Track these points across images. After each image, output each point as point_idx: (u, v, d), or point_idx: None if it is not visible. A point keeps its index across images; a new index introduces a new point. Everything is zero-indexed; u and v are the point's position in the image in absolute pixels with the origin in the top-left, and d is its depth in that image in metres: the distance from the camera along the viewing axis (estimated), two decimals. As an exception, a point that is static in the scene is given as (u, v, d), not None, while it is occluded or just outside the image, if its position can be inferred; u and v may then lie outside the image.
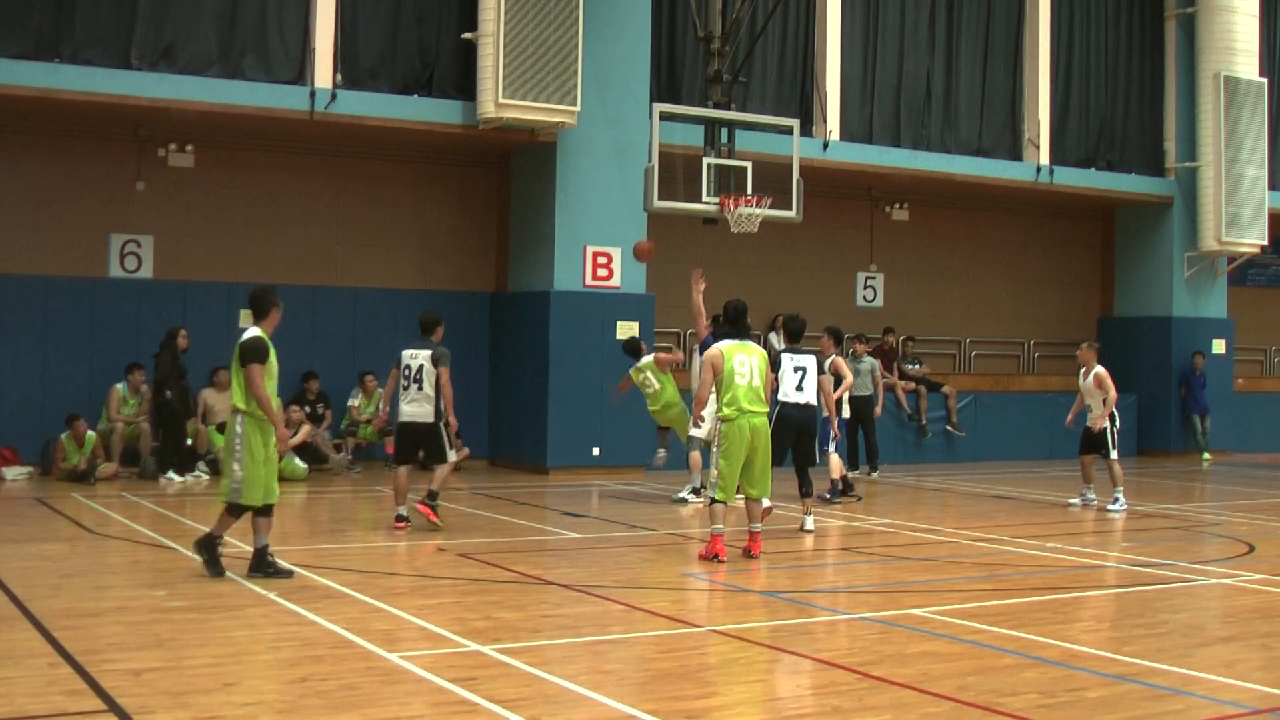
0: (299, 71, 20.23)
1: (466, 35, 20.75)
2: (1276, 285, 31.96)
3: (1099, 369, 18.51)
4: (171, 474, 19.22)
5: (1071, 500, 18.70)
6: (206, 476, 19.72)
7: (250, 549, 11.57)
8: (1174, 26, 28.48)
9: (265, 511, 11.47)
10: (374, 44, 20.96)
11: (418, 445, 15.29)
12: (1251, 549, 14.68)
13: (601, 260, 21.65)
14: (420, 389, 15.13)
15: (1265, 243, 28.30)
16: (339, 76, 20.24)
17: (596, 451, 21.48)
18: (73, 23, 18.90)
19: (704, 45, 22.39)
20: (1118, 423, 18.64)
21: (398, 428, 15.58)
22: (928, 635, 9.53)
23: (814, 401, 15.09)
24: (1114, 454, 18.41)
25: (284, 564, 11.53)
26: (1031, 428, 27.00)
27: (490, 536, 14.49)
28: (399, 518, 14.82)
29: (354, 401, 21.58)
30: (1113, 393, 18.37)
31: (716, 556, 12.51)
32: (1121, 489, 18.27)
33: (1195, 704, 7.77)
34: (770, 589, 11.56)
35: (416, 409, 15.14)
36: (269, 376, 11.71)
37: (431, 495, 14.93)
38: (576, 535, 14.81)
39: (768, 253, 24.88)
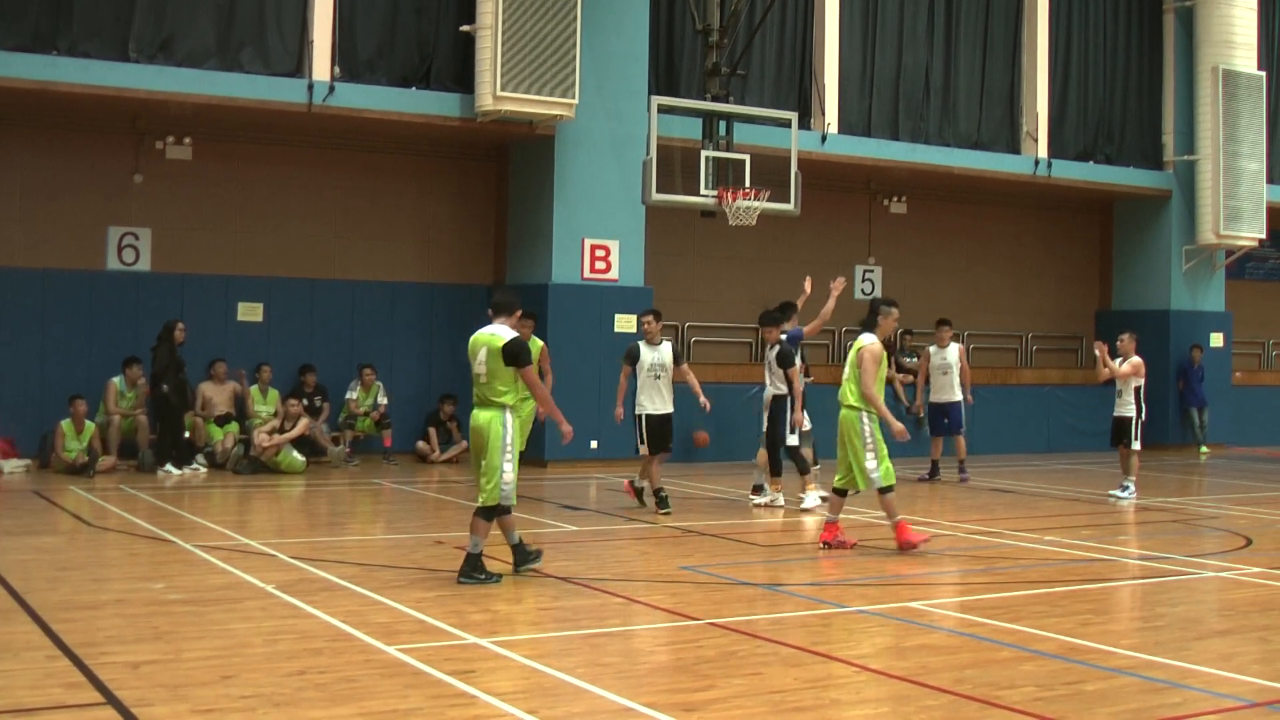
0: (297, 64, 20.22)
1: (465, 28, 20.74)
2: (1275, 279, 31.97)
3: (1136, 358, 18.72)
4: (169, 467, 19.23)
5: (1113, 492, 18.63)
6: (204, 469, 19.72)
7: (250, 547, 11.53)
8: (1172, 20, 28.48)
9: (500, 512, 11.28)
10: (372, 37, 20.94)
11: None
12: (1249, 542, 14.68)
13: (599, 253, 21.65)
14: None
15: (1263, 236, 28.31)
16: (337, 69, 20.23)
17: (594, 444, 21.48)
18: (70, 15, 18.88)
19: (702, 38, 22.38)
20: (1143, 414, 18.75)
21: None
22: (925, 628, 9.53)
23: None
24: (1136, 444, 18.58)
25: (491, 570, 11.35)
26: (1029, 421, 27.01)
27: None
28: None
29: (352, 394, 21.57)
30: (1139, 381, 18.70)
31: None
32: (1134, 479, 18.50)
33: (1193, 697, 7.77)
34: (768, 582, 11.56)
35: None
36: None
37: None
38: (574, 528, 14.82)
39: (766, 245, 24.87)
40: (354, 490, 18.81)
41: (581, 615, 9.95)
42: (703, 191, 20.87)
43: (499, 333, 11.26)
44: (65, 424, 19.08)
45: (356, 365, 21.65)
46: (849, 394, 13.19)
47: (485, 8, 20.27)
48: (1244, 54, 27.77)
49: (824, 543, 13.13)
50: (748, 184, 20.91)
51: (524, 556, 11.44)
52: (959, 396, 20.63)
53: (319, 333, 21.93)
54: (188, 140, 20.94)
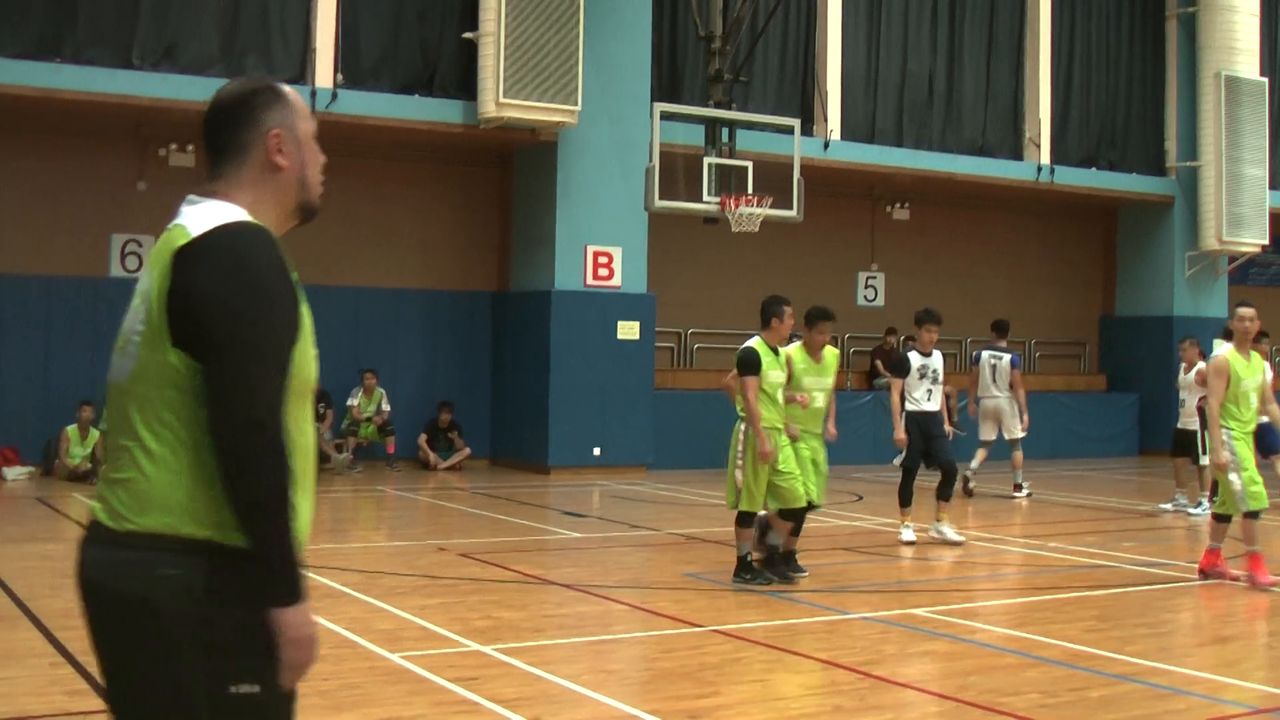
0: (300, 71, 20.24)
1: (468, 35, 20.76)
2: (1277, 285, 31.95)
3: (1202, 364, 17.52)
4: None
5: (1163, 505, 18.14)
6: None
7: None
8: (1175, 26, 28.49)
9: (748, 520, 11.47)
10: (375, 43, 20.97)
11: None
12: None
13: (602, 260, 21.66)
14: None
15: (1266, 242, 28.30)
16: (340, 76, 20.25)
17: (598, 451, 21.49)
18: (74, 22, 18.91)
19: (705, 44, 22.40)
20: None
21: None
22: (929, 635, 9.53)
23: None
24: (1204, 459, 17.09)
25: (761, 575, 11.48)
26: (1033, 427, 26.82)
27: (492, 536, 14.48)
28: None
29: (354, 401, 21.59)
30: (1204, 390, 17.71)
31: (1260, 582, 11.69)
32: (1206, 493, 17.38)
33: (1197, 703, 7.76)
34: (772, 589, 11.56)
35: None
36: (761, 387, 11.53)
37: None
38: (578, 535, 14.82)
39: (769, 252, 24.87)
40: (357, 497, 18.82)
41: (585, 622, 9.95)
42: (706, 198, 20.87)
43: (747, 344, 11.75)
44: (71, 430, 19.10)
45: (359, 371, 21.65)
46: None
47: (488, 15, 20.29)
48: (1246, 60, 27.77)
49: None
50: (750, 190, 20.92)
51: (743, 567, 11.46)
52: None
53: (321, 339, 21.29)
54: (191, 147, 20.94)
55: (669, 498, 18.65)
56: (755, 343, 11.67)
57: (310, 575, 11.28)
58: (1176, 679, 8.30)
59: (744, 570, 11.44)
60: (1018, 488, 19.47)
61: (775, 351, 11.67)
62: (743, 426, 11.41)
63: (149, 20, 19.35)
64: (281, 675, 3.25)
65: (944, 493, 14.46)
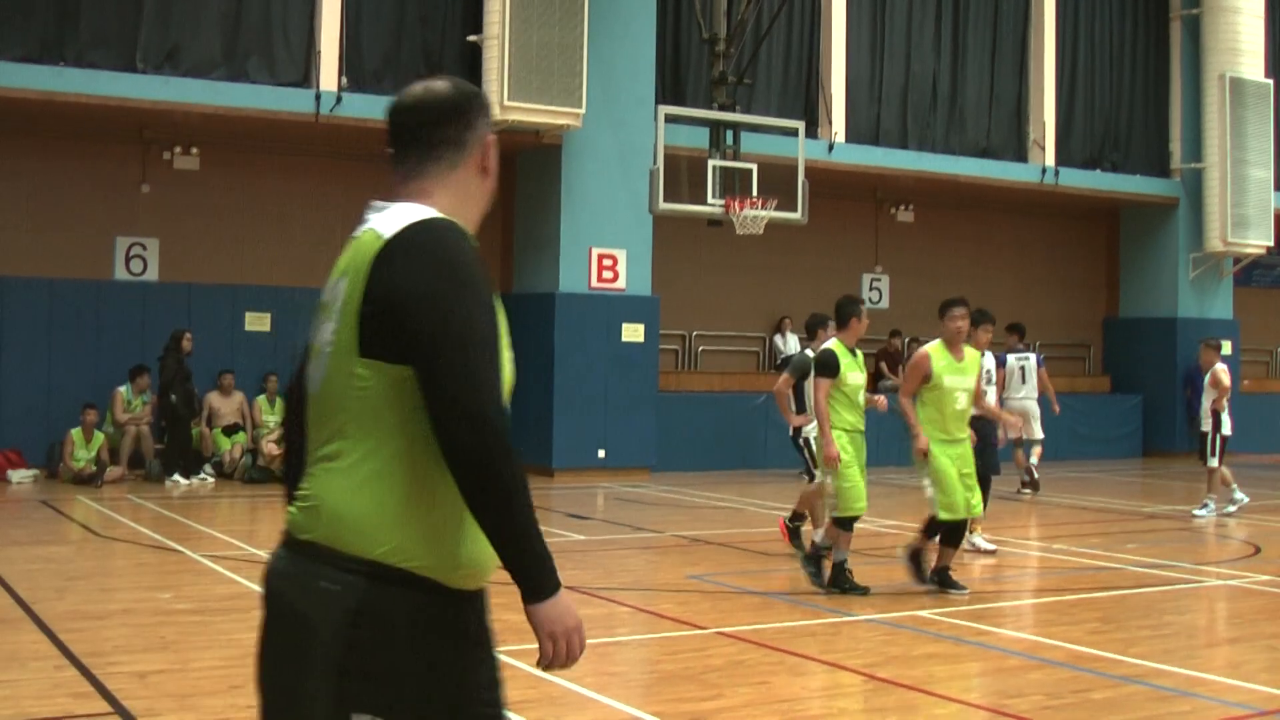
0: (304, 74, 20.24)
1: (471, 38, 20.76)
2: (1282, 286, 31.95)
3: (1217, 366, 17.84)
4: (177, 476, 19.23)
5: (1224, 509, 17.95)
6: (212, 479, 19.75)
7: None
8: (1179, 28, 28.47)
9: (849, 525, 11.23)
10: (379, 46, 20.97)
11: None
12: (1258, 550, 14.66)
13: (606, 262, 21.66)
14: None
15: (1271, 243, 28.26)
16: (344, 79, 20.26)
17: (602, 453, 21.48)
18: (77, 25, 18.92)
19: (709, 47, 22.40)
20: (1224, 428, 17.78)
21: None
22: (933, 637, 9.52)
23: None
24: (1213, 460, 17.65)
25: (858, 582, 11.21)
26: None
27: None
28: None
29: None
30: (1224, 384, 17.63)
31: None
32: (1214, 496, 17.70)
33: (1201, 705, 7.76)
34: (775, 591, 11.56)
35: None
36: (840, 389, 11.27)
37: (794, 515, 13.69)
38: (582, 537, 14.81)
39: (773, 254, 24.86)
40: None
41: (589, 624, 9.87)
42: (710, 201, 20.88)
43: (824, 346, 11.56)
44: (75, 433, 19.11)
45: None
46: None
47: (492, 17, 20.28)
48: (1251, 62, 27.75)
49: None
50: (755, 193, 20.92)
51: (838, 577, 11.15)
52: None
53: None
54: (195, 150, 20.97)
55: (673, 500, 18.64)
56: (834, 344, 11.44)
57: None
58: (1180, 681, 8.29)
59: (841, 580, 11.10)
60: (1030, 484, 19.65)
61: (853, 352, 11.43)
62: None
63: (152, 23, 19.36)
64: (543, 664, 3.31)
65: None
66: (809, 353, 13.30)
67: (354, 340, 3.14)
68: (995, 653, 9.07)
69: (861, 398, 11.50)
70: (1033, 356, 19.86)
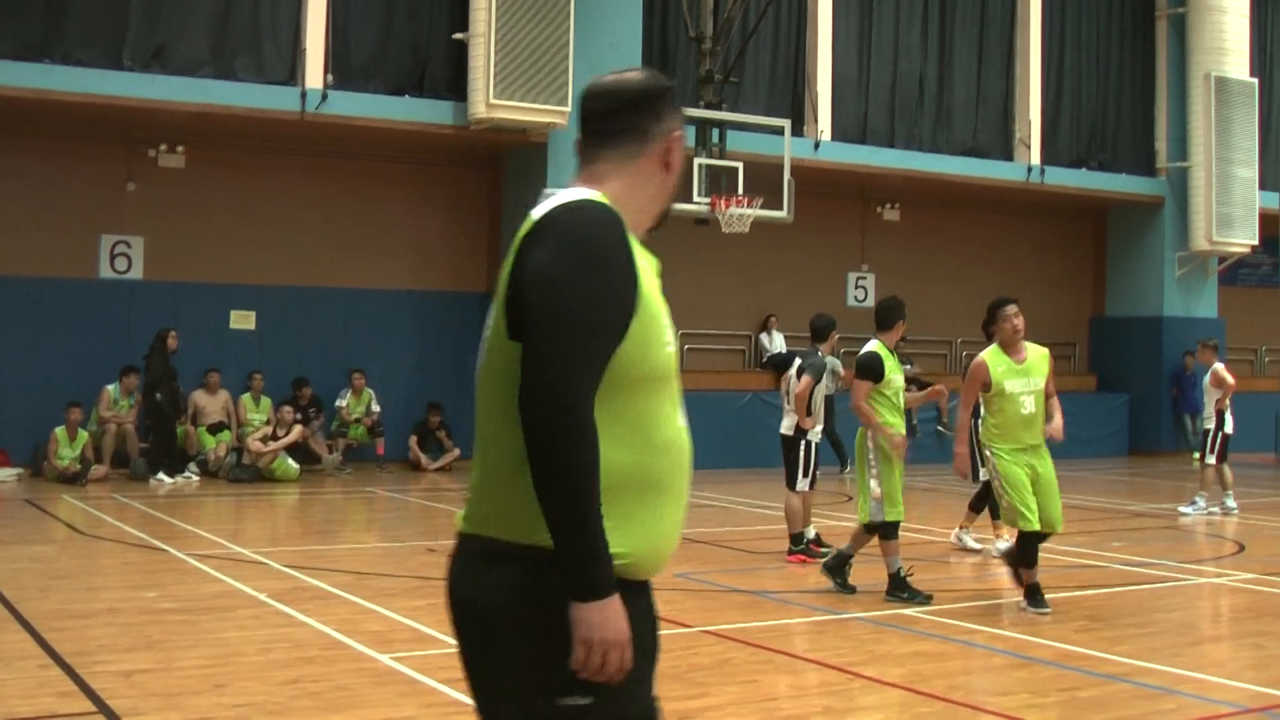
0: (290, 72, 20.22)
1: (458, 35, 20.74)
2: (1267, 285, 32.01)
3: (1216, 365, 17.90)
4: (162, 475, 19.19)
5: (1211, 509, 17.94)
6: (197, 478, 19.72)
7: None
8: (1165, 27, 28.54)
9: (894, 531, 10.95)
10: (365, 44, 20.95)
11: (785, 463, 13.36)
12: (1242, 548, 14.69)
13: (593, 261, 21.60)
14: (788, 403, 13.30)
15: (1256, 243, 28.34)
16: (330, 77, 20.23)
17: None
18: (64, 24, 18.88)
19: (695, 45, 22.41)
20: (1227, 426, 17.81)
21: None
22: (919, 635, 9.53)
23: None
24: (1210, 459, 17.67)
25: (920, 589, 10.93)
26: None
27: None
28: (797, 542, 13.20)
29: (342, 402, 21.55)
30: (1229, 382, 17.64)
31: None
32: (1205, 494, 17.73)
33: (1187, 703, 7.77)
34: (762, 589, 11.56)
35: (783, 421, 13.34)
36: (883, 391, 11.06)
37: (793, 540, 13.09)
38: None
39: (759, 253, 24.87)
40: (347, 498, 18.81)
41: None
42: (696, 199, 20.87)
43: (868, 348, 11.32)
44: (59, 431, 19.05)
45: (347, 372, 21.61)
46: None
47: (478, 15, 20.27)
48: (1236, 61, 27.82)
49: None
50: (741, 191, 20.93)
51: (898, 586, 10.89)
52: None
53: (312, 341, 21.91)
54: (181, 148, 20.93)
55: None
56: (876, 346, 11.26)
57: (299, 576, 11.31)
58: (1166, 679, 8.31)
59: (899, 588, 10.76)
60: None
61: (892, 354, 11.27)
62: (870, 434, 11.05)
63: (139, 22, 19.33)
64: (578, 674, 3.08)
65: (981, 505, 13.92)
66: (820, 353, 13.24)
67: (503, 322, 3.15)
68: (981, 651, 9.08)
69: (902, 399, 11.37)
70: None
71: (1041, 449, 10.80)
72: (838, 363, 22.72)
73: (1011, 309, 10.73)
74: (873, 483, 10.97)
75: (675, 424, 3.27)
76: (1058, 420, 10.99)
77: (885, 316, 11.51)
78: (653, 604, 3.36)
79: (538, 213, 3.19)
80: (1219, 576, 12.67)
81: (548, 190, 3.30)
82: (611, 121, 3.36)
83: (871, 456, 11.00)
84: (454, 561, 3.28)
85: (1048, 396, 10.94)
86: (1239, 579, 12.47)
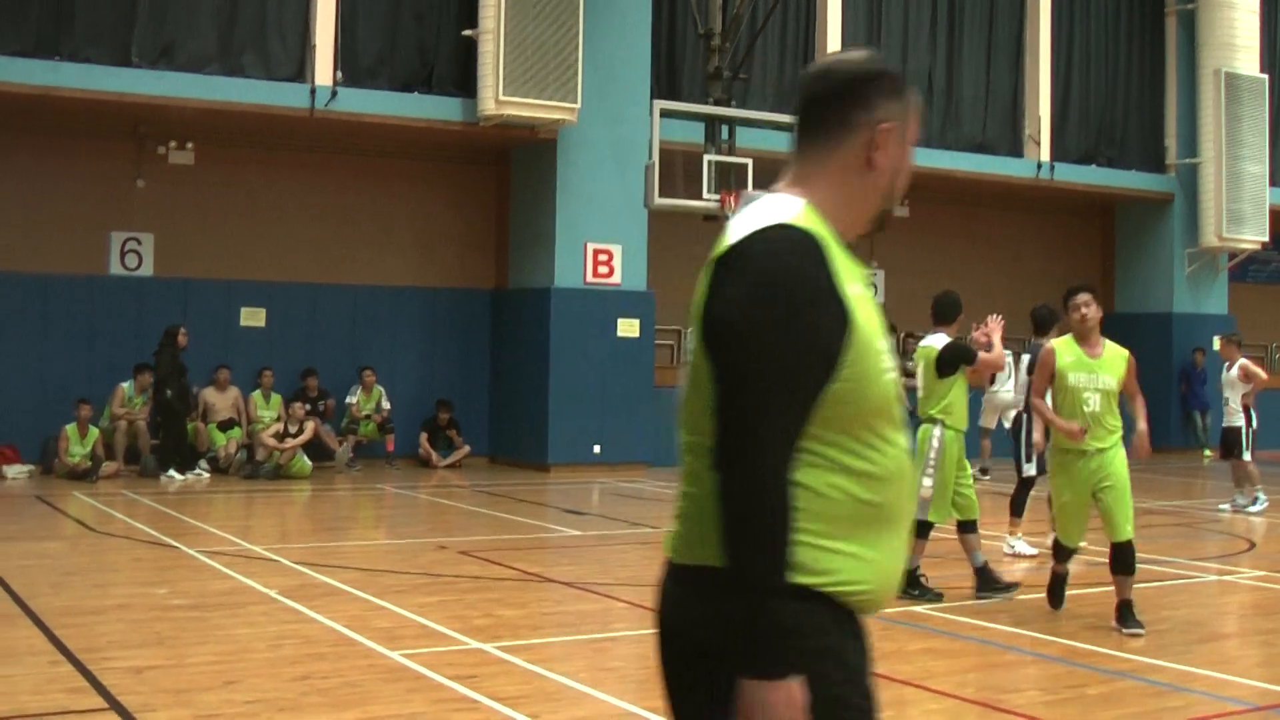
0: (299, 69, 20.24)
1: (467, 32, 20.75)
2: (1277, 282, 31.94)
3: (1242, 360, 17.78)
4: (172, 472, 19.22)
5: (1221, 505, 17.97)
6: (207, 475, 19.75)
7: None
8: (1174, 23, 28.47)
9: (926, 532, 10.80)
10: (374, 41, 20.96)
11: None
12: (1252, 545, 14.68)
13: (602, 257, 21.65)
14: None
15: (1266, 239, 28.28)
16: (339, 74, 20.24)
17: (597, 449, 21.48)
18: (72, 20, 18.91)
19: (704, 42, 22.38)
20: (1254, 422, 17.72)
21: None
22: (928, 632, 9.53)
23: None
24: (1247, 454, 17.57)
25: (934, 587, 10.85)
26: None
27: (491, 534, 14.49)
28: None
29: (353, 398, 21.56)
30: (1262, 377, 17.59)
31: None
32: (1261, 488, 17.68)
33: (1195, 700, 7.76)
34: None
35: None
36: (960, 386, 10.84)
37: None
38: (577, 533, 14.82)
39: (768, 250, 24.78)
40: (356, 495, 18.83)
41: (585, 620, 9.95)
42: (705, 195, 20.85)
43: (933, 342, 11.01)
44: (70, 428, 19.08)
45: (357, 368, 21.63)
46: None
47: (487, 12, 20.27)
48: (1246, 57, 27.76)
49: None
50: (750, 188, 20.88)
51: (987, 582, 10.85)
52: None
53: (321, 337, 21.94)
54: (190, 145, 20.96)
55: (669, 495, 18.58)
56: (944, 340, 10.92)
57: (309, 573, 11.33)
58: (1174, 676, 8.30)
59: (912, 585, 10.55)
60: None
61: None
62: (936, 431, 10.75)
63: (147, 18, 19.35)
64: None
65: (1021, 506, 13.85)
66: None
67: (702, 345, 2.93)
68: (991, 648, 9.07)
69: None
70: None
71: (1108, 453, 9.77)
72: None
73: (1082, 296, 10.03)
74: (926, 481, 10.68)
75: (900, 451, 3.00)
76: (1141, 426, 10.13)
77: (948, 311, 11.35)
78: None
79: (734, 232, 2.93)
80: (1227, 574, 12.65)
81: (750, 193, 3.06)
82: (815, 111, 3.06)
83: (932, 455, 10.73)
84: (664, 591, 3.07)
85: (1130, 398, 10.11)
86: (1247, 576, 12.46)
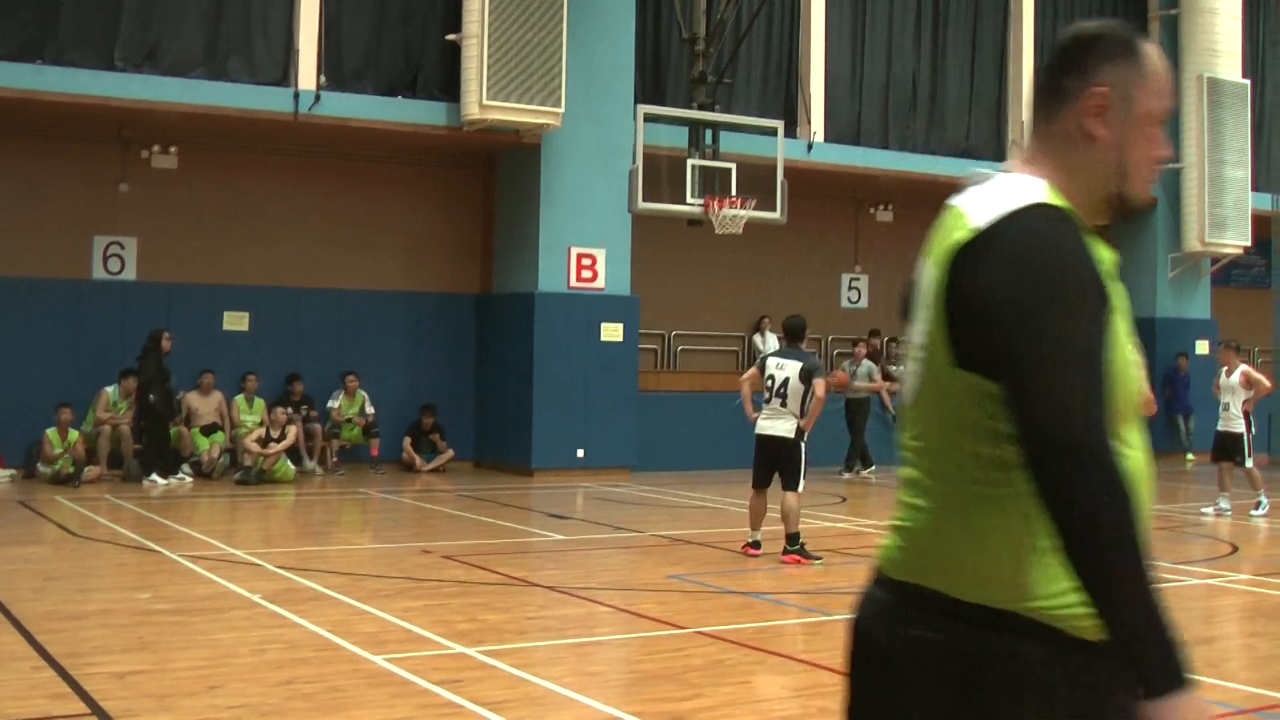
0: (283, 73, 20.21)
1: (451, 36, 20.73)
2: (1259, 286, 32.01)
3: (1244, 366, 17.88)
4: (155, 477, 19.16)
5: (1205, 510, 17.98)
6: (190, 479, 19.69)
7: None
8: (1157, 28, 28.55)
9: None
10: (358, 45, 20.94)
11: (774, 465, 13.30)
12: (1235, 549, 14.71)
13: (586, 262, 21.65)
14: (784, 404, 13.12)
15: (1248, 244, 28.36)
16: (323, 78, 20.21)
17: (581, 453, 21.47)
18: (56, 24, 18.85)
19: (688, 46, 22.39)
20: (1254, 428, 17.86)
21: (755, 441, 13.41)
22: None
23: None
24: (1249, 461, 17.66)
25: None
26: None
27: (475, 538, 14.47)
28: (753, 543, 13.27)
29: (335, 403, 21.50)
30: (1265, 384, 17.72)
31: None
32: (1263, 492, 17.76)
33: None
34: (756, 590, 11.56)
35: (779, 423, 13.15)
36: None
37: (790, 539, 12.96)
38: (561, 537, 14.80)
39: (752, 254, 24.87)
40: (341, 499, 18.79)
41: (569, 624, 9.94)
42: (689, 200, 20.86)
43: None
44: (50, 433, 19.03)
45: (340, 373, 21.59)
46: None
47: (471, 16, 20.26)
48: (1228, 62, 27.85)
49: None
50: (734, 192, 20.91)
51: None
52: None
53: (305, 342, 21.89)
54: (174, 149, 20.91)
55: (653, 500, 18.64)
56: None
57: (293, 578, 11.30)
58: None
59: None
60: None
61: None
62: None
63: (132, 22, 19.31)
64: None
65: None
66: (811, 354, 13.29)
67: (944, 345, 2.64)
68: (974, 652, 9.07)
69: None
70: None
71: None
72: (873, 366, 22.87)
73: None
74: None
75: (1141, 453, 2.71)
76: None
77: None
78: None
79: (975, 215, 2.68)
80: (1212, 577, 12.67)
81: (979, 171, 2.84)
82: (1038, 84, 2.85)
83: None
84: (870, 603, 2.83)
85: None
86: (1232, 580, 12.48)
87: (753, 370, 13.60)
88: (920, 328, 2.72)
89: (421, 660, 8.39)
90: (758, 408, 13.40)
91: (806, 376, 13.00)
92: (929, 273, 2.70)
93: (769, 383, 13.26)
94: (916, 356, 2.74)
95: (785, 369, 13.17)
